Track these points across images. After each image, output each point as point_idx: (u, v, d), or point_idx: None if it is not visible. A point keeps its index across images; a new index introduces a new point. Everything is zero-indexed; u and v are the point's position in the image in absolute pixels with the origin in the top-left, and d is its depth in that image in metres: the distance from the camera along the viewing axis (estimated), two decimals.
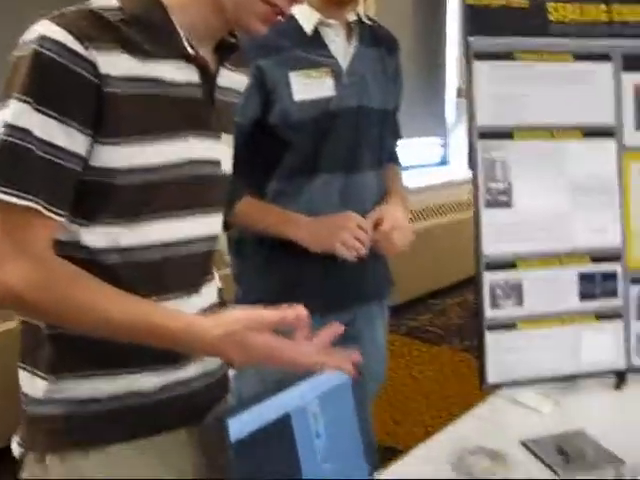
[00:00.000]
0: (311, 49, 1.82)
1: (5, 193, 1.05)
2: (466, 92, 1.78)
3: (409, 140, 5.90)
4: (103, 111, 1.08)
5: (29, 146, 1.05)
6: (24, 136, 1.05)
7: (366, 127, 1.89)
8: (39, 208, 1.06)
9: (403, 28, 5.20)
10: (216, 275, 1.41)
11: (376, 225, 1.85)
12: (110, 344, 1.14)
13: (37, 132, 1.06)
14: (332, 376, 1.37)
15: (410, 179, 5.54)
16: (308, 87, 1.80)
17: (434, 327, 5.09)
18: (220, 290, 1.43)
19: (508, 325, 1.80)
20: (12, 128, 1.05)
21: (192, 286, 1.27)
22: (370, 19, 1.97)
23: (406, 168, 6.25)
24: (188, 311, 1.22)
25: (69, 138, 1.07)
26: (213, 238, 1.31)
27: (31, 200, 1.06)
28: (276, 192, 1.87)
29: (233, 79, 1.34)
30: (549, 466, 1.55)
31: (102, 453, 1.19)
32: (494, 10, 1.79)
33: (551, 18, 1.83)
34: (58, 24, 1.07)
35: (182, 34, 1.16)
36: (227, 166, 1.30)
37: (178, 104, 1.17)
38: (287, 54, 1.80)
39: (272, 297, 1.86)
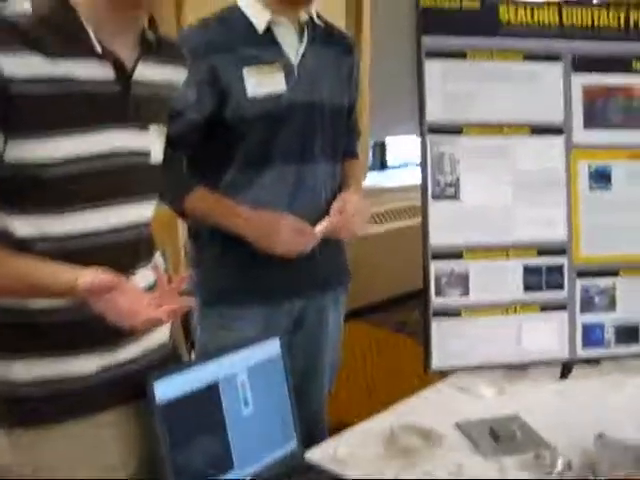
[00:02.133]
0: (263, 47, 1.89)
1: None
2: (417, 89, 1.84)
3: (397, 137, 5.95)
4: (10, 111, 1.13)
5: None
6: None
7: (318, 121, 1.96)
8: None
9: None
10: (158, 259, 1.45)
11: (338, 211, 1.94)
12: (47, 326, 1.22)
13: None
14: (264, 349, 1.45)
15: (408, 177, 5.61)
16: (260, 83, 1.87)
17: None
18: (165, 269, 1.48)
19: (453, 313, 1.87)
20: None
21: (123, 273, 1.25)
22: (321, 19, 2.01)
23: (402, 166, 6.17)
24: None
25: None
26: (142, 226, 1.35)
27: None
28: (229, 183, 1.94)
29: (163, 71, 1.37)
30: (477, 446, 1.62)
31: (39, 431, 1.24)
32: (447, 11, 1.84)
33: (502, 19, 1.88)
34: None
35: (90, 32, 1.20)
36: (157, 156, 1.35)
37: (93, 100, 1.21)
38: (240, 52, 1.86)
39: (229, 284, 1.95)
